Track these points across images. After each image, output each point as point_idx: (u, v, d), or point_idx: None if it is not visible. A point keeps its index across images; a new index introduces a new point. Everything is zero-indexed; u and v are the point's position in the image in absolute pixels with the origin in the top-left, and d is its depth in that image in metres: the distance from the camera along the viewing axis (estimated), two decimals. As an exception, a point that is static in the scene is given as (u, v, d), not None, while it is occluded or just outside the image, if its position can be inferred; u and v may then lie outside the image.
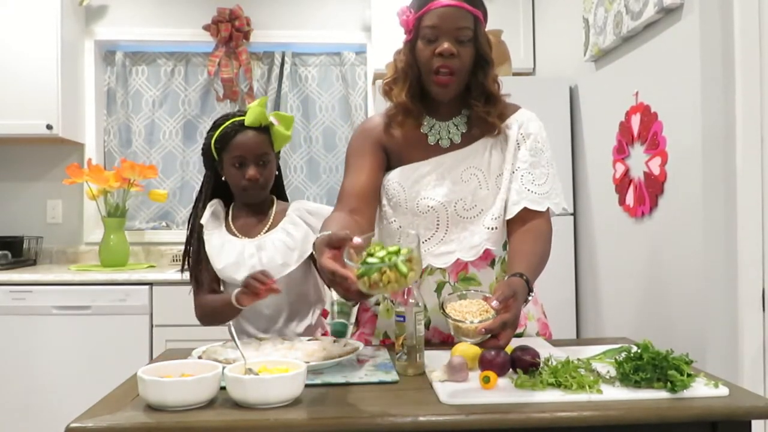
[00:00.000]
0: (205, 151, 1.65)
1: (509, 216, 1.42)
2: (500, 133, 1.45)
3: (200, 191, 1.69)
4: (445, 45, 1.35)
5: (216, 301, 1.58)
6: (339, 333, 1.43)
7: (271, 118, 1.64)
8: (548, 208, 1.43)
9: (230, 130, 1.59)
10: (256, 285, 1.41)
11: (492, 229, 1.42)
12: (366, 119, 1.61)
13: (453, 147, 1.47)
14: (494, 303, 1.13)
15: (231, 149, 1.59)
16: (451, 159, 1.45)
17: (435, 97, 1.44)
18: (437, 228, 1.45)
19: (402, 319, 1.31)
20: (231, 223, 1.65)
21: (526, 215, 1.40)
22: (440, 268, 1.46)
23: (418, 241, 1.05)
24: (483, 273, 1.47)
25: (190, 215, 1.68)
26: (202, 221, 1.62)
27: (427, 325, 1.50)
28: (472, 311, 1.17)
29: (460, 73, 1.39)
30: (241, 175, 1.59)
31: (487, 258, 1.47)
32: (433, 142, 1.47)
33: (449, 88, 1.41)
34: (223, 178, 1.65)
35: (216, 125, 1.63)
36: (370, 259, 0.99)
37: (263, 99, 1.67)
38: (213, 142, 1.61)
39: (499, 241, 1.45)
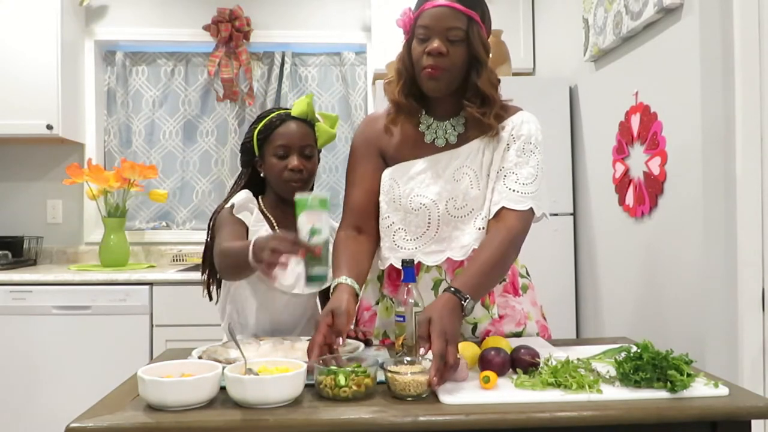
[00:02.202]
0: (245, 146, 1.61)
1: (490, 216, 1.42)
2: (497, 133, 1.45)
3: (232, 188, 1.63)
4: (435, 44, 1.36)
5: (234, 247, 1.38)
6: (317, 278, 1.28)
7: (316, 115, 1.63)
8: (530, 210, 1.40)
9: (275, 120, 1.56)
10: (275, 258, 1.20)
11: (481, 229, 1.43)
12: (371, 114, 1.61)
13: (448, 147, 1.47)
14: (421, 350, 1.17)
15: (274, 139, 1.55)
16: (445, 158, 1.46)
17: (428, 93, 1.44)
18: (428, 226, 1.46)
19: (402, 319, 1.32)
20: (272, 218, 1.58)
21: (505, 214, 1.39)
22: (436, 266, 1.46)
23: (376, 371, 1.15)
24: None
25: (215, 211, 1.59)
26: (235, 202, 1.52)
27: None
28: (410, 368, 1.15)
29: (450, 70, 1.39)
30: (283, 166, 1.54)
31: None
32: (429, 140, 1.48)
33: (439, 81, 1.39)
34: (261, 175, 1.60)
35: (260, 117, 1.60)
36: (332, 366, 1.15)
37: (310, 95, 1.63)
38: (256, 132, 1.57)
39: None
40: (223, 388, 1.12)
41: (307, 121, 1.59)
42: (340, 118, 3.44)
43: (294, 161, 1.54)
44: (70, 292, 2.69)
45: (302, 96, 1.64)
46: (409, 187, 1.45)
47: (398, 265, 1.42)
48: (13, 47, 2.96)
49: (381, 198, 1.50)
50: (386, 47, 2.95)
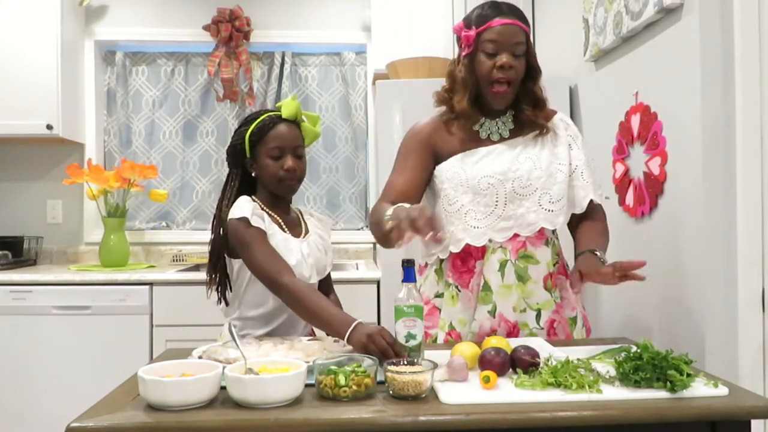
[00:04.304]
0: (235, 148, 1.65)
1: (581, 210, 1.61)
2: (548, 132, 1.62)
3: (225, 188, 1.68)
4: (505, 59, 1.52)
5: (330, 313, 1.42)
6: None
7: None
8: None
9: (268, 122, 1.61)
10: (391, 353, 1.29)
11: (550, 211, 1.57)
12: (416, 124, 1.69)
13: (502, 141, 1.62)
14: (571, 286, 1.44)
15: (268, 141, 1.60)
16: (505, 146, 1.61)
17: (494, 106, 1.59)
18: (496, 204, 1.57)
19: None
20: (278, 218, 1.64)
21: (593, 203, 1.63)
22: (501, 247, 1.57)
23: (376, 371, 1.17)
24: (540, 251, 1.59)
25: (215, 215, 1.65)
26: (248, 215, 1.53)
27: (492, 312, 1.56)
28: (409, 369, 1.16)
29: (515, 82, 1.56)
30: (278, 167, 1.60)
31: (542, 237, 1.60)
32: (484, 136, 1.63)
33: (506, 98, 1.57)
34: (253, 174, 1.65)
35: (250, 120, 1.65)
36: (332, 366, 1.16)
37: (295, 96, 1.70)
38: (248, 134, 1.62)
39: (555, 223, 1.59)
40: (223, 388, 1.12)
41: (295, 122, 1.66)
42: (340, 118, 3.47)
43: (289, 162, 1.61)
44: (70, 292, 2.69)
45: (298, 94, 1.69)
46: (477, 169, 1.58)
47: (475, 244, 1.56)
48: (13, 47, 2.96)
49: (446, 186, 1.60)
50: (386, 47, 2.95)
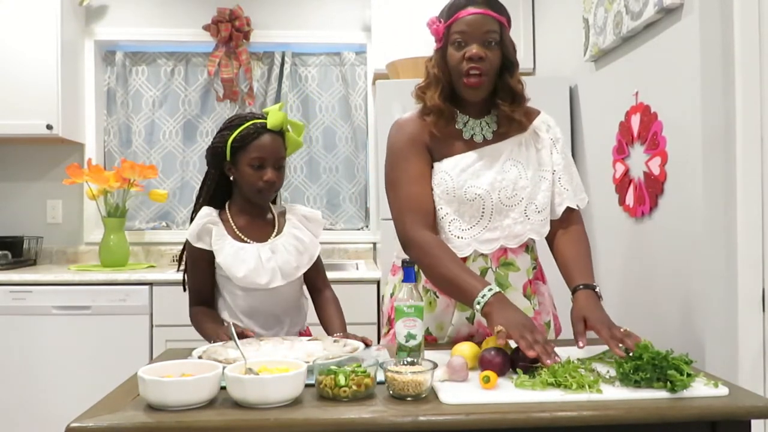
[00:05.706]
0: (216, 149, 1.63)
1: (556, 217, 1.56)
2: (526, 130, 1.56)
3: (201, 189, 1.68)
4: (474, 50, 1.44)
5: (206, 328, 1.59)
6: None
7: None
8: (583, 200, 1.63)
9: (252, 131, 1.58)
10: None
11: (536, 220, 1.53)
12: (401, 120, 1.61)
13: (485, 143, 1.55)
14: (581, 344, 1.32)
15: (251, 150, 1.58)
16: (491, 151, 1.54)
17: (468, 99, 1.52)
18: (482, 215, 1.51)
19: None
20: (234, 227, 1.63)
21: (570, 210, 1.58)
22: (482, 255, 1.52)
23: (376, 371, 1.17)
24: (520, 258, 1.56)
25: (192, 213, 1.67)
26: (189, 237, 1.59)
27: (471, 319, 1.55)
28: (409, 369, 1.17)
29: (489, 74, 1.48)
30: (258, 177, 1.58)
31: (523, 244, 1.56)
32: (467, 136, 1.55)
33: (479, 90, 1.49)
34: (231, 178, 1.63)
35: (234, 125, 1.61)
36: (332, 366, 1.16)
37: (282, 104, 1.68)
38: (231, 140, 1.59)
39: (541, 233, 1.54)
40: (223, 388, 1.12)
41: (280, 132, 1.63)
42: (340, 118, 3.48)
43: (269, 174, 1.59)
44: (70, 292, 2.69)
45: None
46: (462, 178, 1.51)
47: (459, 255, 1.48)
48: (13, 47, 2.96)
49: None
50: (386, 47, 2.95)
